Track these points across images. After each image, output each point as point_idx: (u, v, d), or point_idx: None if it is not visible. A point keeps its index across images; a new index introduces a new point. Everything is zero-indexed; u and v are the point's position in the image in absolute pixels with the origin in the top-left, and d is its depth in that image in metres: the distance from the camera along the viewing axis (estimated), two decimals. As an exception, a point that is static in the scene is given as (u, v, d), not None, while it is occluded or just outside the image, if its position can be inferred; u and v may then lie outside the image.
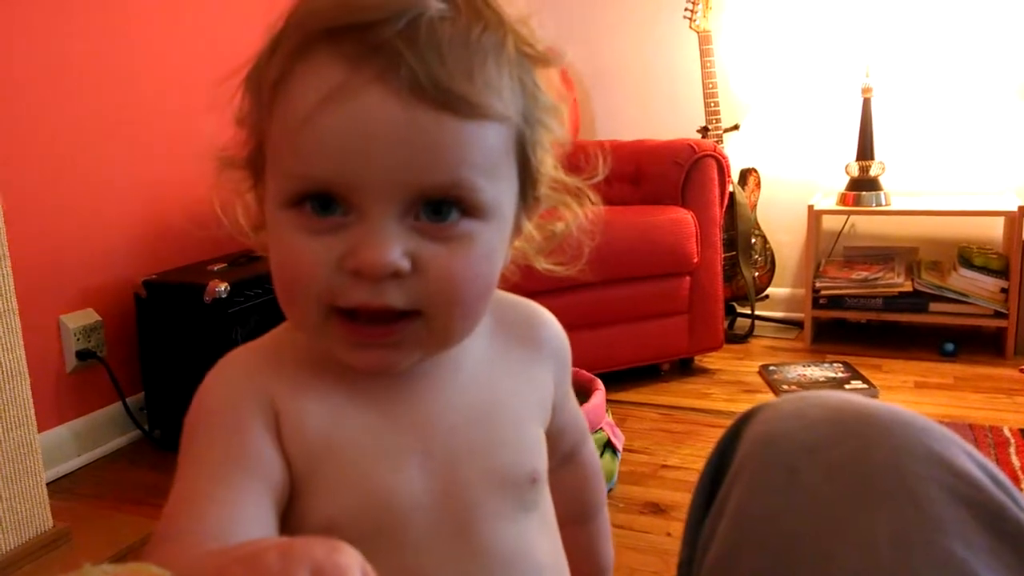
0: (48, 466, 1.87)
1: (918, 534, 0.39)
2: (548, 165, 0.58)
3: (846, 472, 0.43)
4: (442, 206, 0.50)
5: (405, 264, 0.50)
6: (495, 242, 0.54)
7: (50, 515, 1.63)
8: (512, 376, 0.62)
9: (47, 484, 1.65)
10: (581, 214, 0.61)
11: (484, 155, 0.51)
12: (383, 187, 0.49)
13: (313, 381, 0.57)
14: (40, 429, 1.65)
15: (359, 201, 0.49)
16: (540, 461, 0.62)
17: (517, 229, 0.59)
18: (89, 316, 2.14)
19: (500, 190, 0.53)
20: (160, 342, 2.16)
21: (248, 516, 0.50)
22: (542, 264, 0.63)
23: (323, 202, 0.50)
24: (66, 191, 2.08)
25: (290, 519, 0.54)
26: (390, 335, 0.52)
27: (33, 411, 1.58)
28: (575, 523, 0.73)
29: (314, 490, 0.54)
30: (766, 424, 0.47)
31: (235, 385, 0.56)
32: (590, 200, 0.61)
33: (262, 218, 0.56)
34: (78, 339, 2.10)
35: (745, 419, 0.48)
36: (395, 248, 0.49)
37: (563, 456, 0.71)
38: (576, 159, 0.62)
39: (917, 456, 0.43)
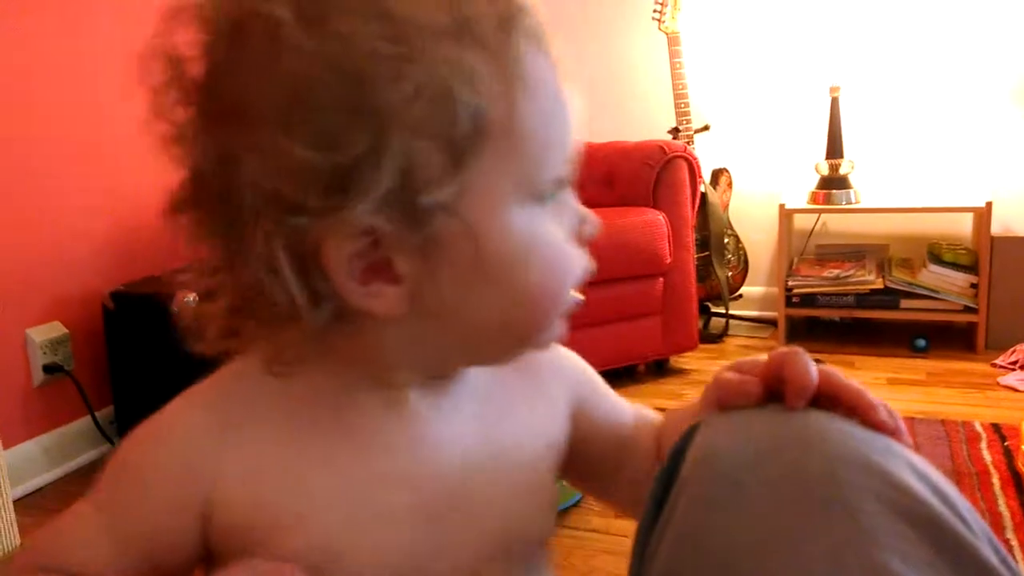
0: (16, 482, 1.84)
1: (853, 547, 0.38)
2: None
3: (785, 484, 0.42)
4: None
5: None
6: None
7: (17, 533, 1.60)
8: (516, 416, 0.56)
9: (15, 501, 1.62)
10: None
11: None
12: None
13: (277, 434, 0.50)
14: (7, 445, 1.62)
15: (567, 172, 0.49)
16: (551, 517, 0.55)
17: None
18: (56, 329, 2.11)
19: None
20: (129, 354, 2.13)
21: None
22: None
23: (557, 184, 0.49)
24: (30, 203, 2.05)
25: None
26: None
27: (-2, 427, 1.55)
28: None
29: (274, 543, 0.48)
30: (710, 437, 0.46)
31: (173, 448, 0.51)
32: None
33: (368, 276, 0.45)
34: (45, 353, 2.07)
35: (693, 430, 0.47)
36: None
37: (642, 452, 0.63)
38: None
39: (854, 466, 0.42)
